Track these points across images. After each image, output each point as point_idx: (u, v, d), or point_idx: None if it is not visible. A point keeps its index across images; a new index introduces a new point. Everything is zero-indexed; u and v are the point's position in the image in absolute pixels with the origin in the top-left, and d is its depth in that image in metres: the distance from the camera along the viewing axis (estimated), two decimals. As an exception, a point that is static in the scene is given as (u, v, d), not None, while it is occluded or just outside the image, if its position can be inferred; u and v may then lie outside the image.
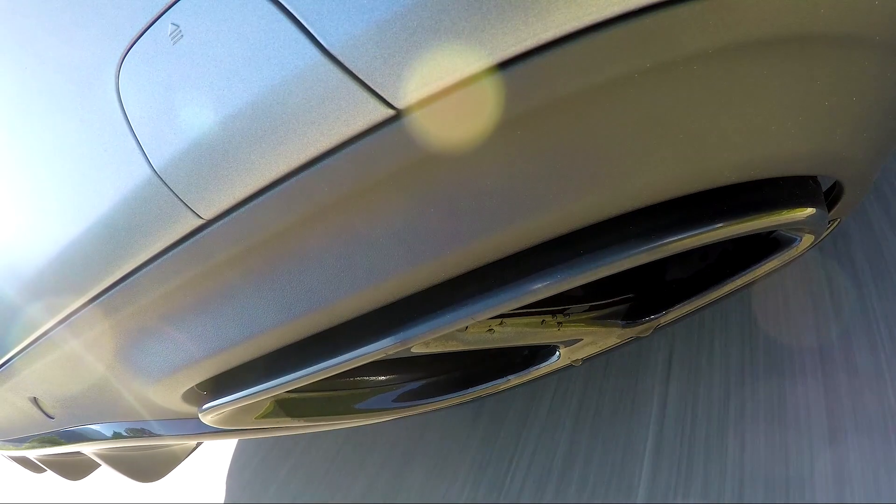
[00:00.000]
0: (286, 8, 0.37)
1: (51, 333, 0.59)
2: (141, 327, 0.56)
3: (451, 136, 0.39)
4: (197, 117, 0.41)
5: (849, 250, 1.12)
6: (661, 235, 0.47)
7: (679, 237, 0.48)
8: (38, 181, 0.51)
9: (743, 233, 0.50)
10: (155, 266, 0.48)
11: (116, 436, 0.80)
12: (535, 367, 0.76)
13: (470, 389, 0.78)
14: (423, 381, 0.81)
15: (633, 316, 0.77)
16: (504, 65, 0.36)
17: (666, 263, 0.81)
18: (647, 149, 0.41)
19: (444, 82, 0.36)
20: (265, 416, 0.71)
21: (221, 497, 1.43)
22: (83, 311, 0.54)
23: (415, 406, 0.79)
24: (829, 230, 0.72)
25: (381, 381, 0.80)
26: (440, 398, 0.79)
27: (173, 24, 0.40)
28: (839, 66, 0.43)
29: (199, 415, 0.66)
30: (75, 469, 1.14)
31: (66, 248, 0.50)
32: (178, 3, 0.40)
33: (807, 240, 0.64)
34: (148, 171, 0.43)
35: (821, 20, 0.39)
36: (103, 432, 0.81)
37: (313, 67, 0.37)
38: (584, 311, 0.74)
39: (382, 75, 0.36)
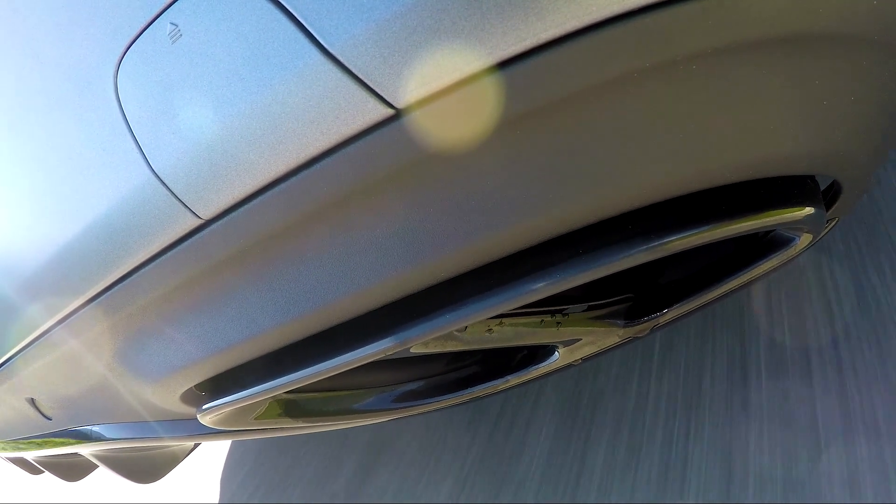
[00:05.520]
0: (286, 7, 0.37)
1: (49, 334, 0.59)
2: (139, 328, 0.56)
3: (450, 135, 0.39)
4: (196, 117, 0.41)
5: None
6: (660, 235, 0.47)
7: (678, 237, 0.48)
8: (36, 181, 0.50)
9: (741, 232, 0.51)
10: (154, 266, 0.48)
11: (114, 437, 0.80)
12: (533, 367, 0.76)
13: (469, 389, 0.78)
14: (423, 382, 0.81)
15: (631, 316, 0.77)
16: (504, 65, 0.35)
17: (665, 263, 0.81)
18: (647, 149, 0.41)
19: (443, 82, 0.36)
20: (264, 416, 0.71)
21: (219, 497, 1.42)
22: (81, 311, 0.54)
23: (414, 406, 0.79)
24: (828, 229, 0.72)
25: (381, 381, 0.80)
26: (439, 398, 0.79)
27: (172, 23, 0.40)
28: (839, 66, 0.43)
29: (198, 415, 0.65)
30: (73, 470, 1.14)
31: (65, 248, 0.50)
32: (177, 3, 0.40)
33: (805, 239, 0.64)
34: (146, 170, 0.43)
35: (821, 20, 0.39)
36: (101, 433, 0.81)
37: (313, 67, 0.37)
38: (583, 311, 0.74)
39: (382, 75, 0.36)
